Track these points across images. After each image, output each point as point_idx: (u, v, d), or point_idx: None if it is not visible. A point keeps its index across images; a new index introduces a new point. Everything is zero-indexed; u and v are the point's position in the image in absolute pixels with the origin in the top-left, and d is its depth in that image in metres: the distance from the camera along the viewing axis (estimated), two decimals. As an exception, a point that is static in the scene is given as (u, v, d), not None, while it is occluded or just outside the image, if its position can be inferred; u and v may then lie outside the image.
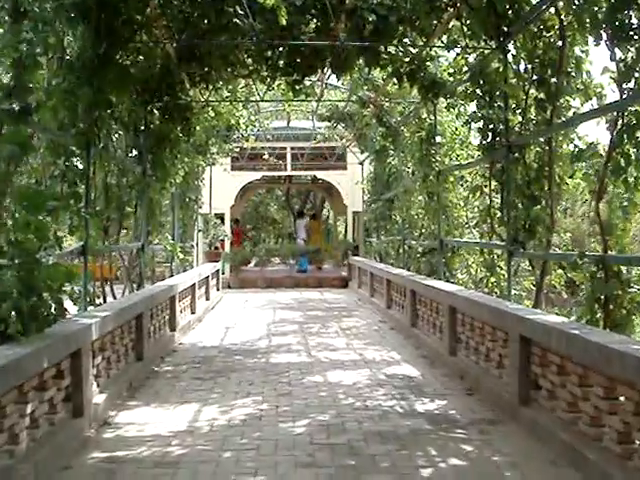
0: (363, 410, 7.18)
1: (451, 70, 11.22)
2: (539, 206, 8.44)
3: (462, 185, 13.69)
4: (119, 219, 10.73)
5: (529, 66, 8.57)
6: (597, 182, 6.88)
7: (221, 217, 23.58)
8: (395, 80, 11.40)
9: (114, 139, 10.47)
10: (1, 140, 6.11)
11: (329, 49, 9.96)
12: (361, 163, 23.15)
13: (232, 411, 7.17)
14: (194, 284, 14.33)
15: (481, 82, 9.58)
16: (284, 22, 8.20)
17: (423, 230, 14.91)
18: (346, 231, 29.45)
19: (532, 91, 8.55)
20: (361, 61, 10.73)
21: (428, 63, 11.00)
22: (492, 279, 10.10)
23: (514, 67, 8.85)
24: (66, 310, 6.26)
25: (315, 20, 9.54)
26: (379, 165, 19.02)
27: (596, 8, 6.63)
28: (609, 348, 4.92)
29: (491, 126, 9.47)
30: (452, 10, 9.27)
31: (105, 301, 9.82)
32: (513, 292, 9.14)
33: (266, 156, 23.02)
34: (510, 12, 8.52)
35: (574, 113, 8.26)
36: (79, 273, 7.62)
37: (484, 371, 7.95)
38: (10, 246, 5.45)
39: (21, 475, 4.71)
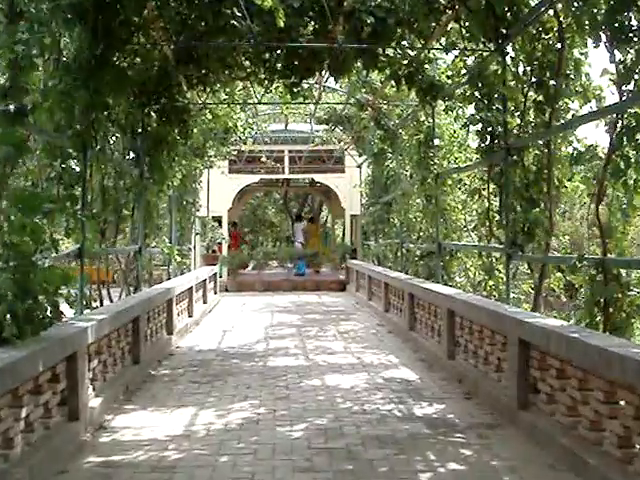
0: (361, 414, 7.15)
1: (449, 72, 11.20)
2: (538, 209, 8.41)
3: (460, 188, 13.65)
4: (116, 222, 10.70)
5: (528, 68, 8.55)
6: (596, 185, 6.84)
7: (219, 220, 23.55)
8: (393, 83, 11.36)
9: (111, 141, 10.43)
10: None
11: (327, 51, 9.93)
12: (359, 166, 23.14)
13: (229, 415, 7.13)
14: (191, 287, 14.30)
15: (479, 84, 9.54)
16: (282, 24, 8.14)
17: (421, 233, 14.88)
18: (344, 234, 29.39)
19: (531, 93, 8.53)
20: (359, 64, 10.69)
21: (426, 66, 10.98)
22: (490, 282, 10.06)
23: (513, 69, 8.83)
24: (62, 313, 6.20)
25: (313, 22, 9.50)
26: (377, 168, 18.99)
27: (595, 10, 6.61)
28: (609, 352, 4.89)
29: (490, 129, 9.43)
30: (450, 12, 9.23)
31: (102, 304, 9.79)
32: (512, 295, 9.11)
33: (264, 159, 22.99)
34: (509, 14, 8.50)
35: (573, 115, 8.24)
36: (75, 276, 7.59)
37: (483, 375, 7.91)
38: (5, 248, 5.41)
39: (16, 479, 4.66)
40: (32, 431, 5.21)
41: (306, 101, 15.22)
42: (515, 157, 8.75)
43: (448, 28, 9.86)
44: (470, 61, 10.33)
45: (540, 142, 8.52)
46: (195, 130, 14.02)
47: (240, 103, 15.72)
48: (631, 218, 6.73)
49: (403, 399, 7.77)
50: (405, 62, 10.56)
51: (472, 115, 9.93)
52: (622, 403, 4.88)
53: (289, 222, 40.76)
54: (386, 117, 16.03)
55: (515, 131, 8.89)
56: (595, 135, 25.96)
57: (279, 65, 10.43)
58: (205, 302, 16.95)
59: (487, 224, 9.94)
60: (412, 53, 10.53)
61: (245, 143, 19.47)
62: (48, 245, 6.10)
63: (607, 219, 6.80)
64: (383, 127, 16.32)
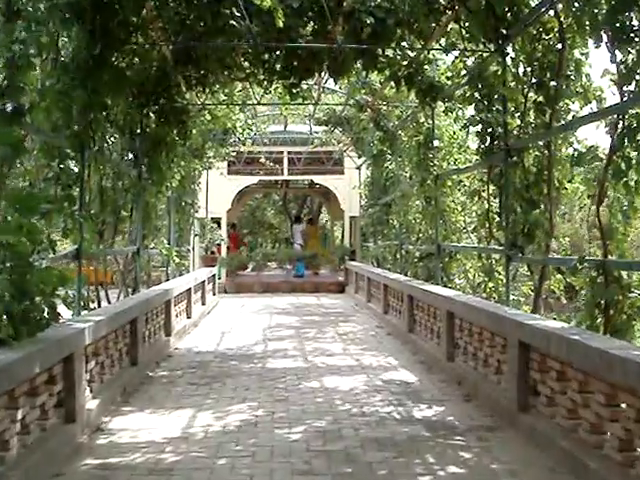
0: (360, 416, 7.11)
1: (449, 73, 11.18)
2: (538, 210, 8.37)
3: (460, 190, 13.62)
4: (114, 223, 10.66)
5: (528, 69, 8.51)
6: (597, 186, 6.81)
7: (217, 221, 23.51)
8: (393, 84, 11.32)
9: (109, 142, 10.38)
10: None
11: (326, 52, 9.90)
12: (358, 168, 23.10)
13: (227, 417, 7.09)
14: (190, 289, 14.26)
15: (479, 85, 9.52)
16: (281, 24, 8.12)
17: (420, 235, 14.84)
18: (343, 236, 29.37)
19: (531, 94, 8.49)
20: (358, 64, 10.65)
21: (426, 66, 10.96)
22: (490, 284, 10.03)
23: (513, 70, 8.79)
24: (59, 314, 6.16)
25: (312, 23, 9.48)
26: (376, 169, 18.98)
27: (596, 10, 6.57)
28: (610, 354, 4.85)
29: (489, 130, 9.41)
30: (450, 13, 9.20)
31: (100, 305, 9.74)
32: (511, 297, 9.07)
33: (263, 160, 22.95)
34: (509, 14, 8.47)
35: (573, 116, 8.20)
36: (72, 277, 7.55)
37: (482, 377, 7.88)
38: (2, 249, 5.36)
39: (11, 482, 4.62)
40: (28, 433, 5.16)
41: (305, 102, 15.18)
42: (515, 158, 8.71)
43: (448, 29, 9.83)
44: (470, 62, 10.31)
45: (540, 143, 8.48)
46: (194, 131, 13.99)
47: (239, 104, 15.69)
48: (632, 220, 6.69)
49: (402, 401, 7.73)
50: (405, 63, 10.53)
51: (472, 116, 9.92)
52: (623, 406, 4.84)
53: (288, 223, 40.74)
54: (385, 118, 15.99)
55: (515, 132, 8.86)
56: (595, 136, 25.94)
57: (278, 66, 10.40)
58: (204, 303, 16.92)
59: (487, 225, 9.91)
60: (412, 54, 10.50)
61: (244, 144, 19.45)
62: (45, 246, 6.05)
63: (608, 220, 6.76)
64: (382, 128, 16.28)
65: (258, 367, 9.83)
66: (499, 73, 8.93)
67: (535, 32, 8.26)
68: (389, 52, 10.21)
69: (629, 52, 6.19)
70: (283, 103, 16.04)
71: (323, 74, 11.93)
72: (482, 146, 9.67)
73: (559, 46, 7.91)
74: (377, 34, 9.18)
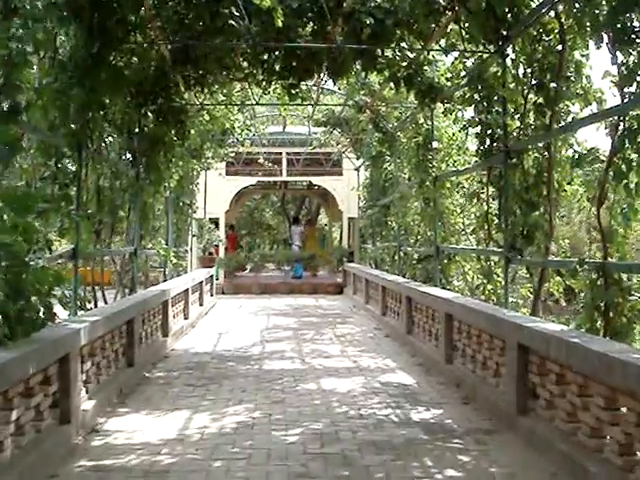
0: (357, 419, 7.06)
1: (449, 74, 11.18)
2: (537, 212, 8.34)
3: (459, 191, 13.59)
4: (112, 223, 10.62)
5: (528, 70, 8.48)
6: (598, 188, 6.77)
7: (216, 222, 23.51)
8: (392, 85, 11.28)
9: (107, 141, 10.34)
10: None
11: (326, 53, 9.88)
12: (357, 169, 23.08)
13: (224, 419, 7.04)
14: (187, 289, 14.22)
15: (479, 87, 9.48)
16: (280, 24, 8.09)
17: (419, 236, 14.83)
18: (341, 237, 29.37)
19: (531, 96, 8.46)
20: (358, 65, 10.64)
21: (425, 67, 10.92)
22: (489, 286, 10.00)
23: (513, 71, 8.76)
24: (55, 315, 6.11)
25: (312, 23, 9.47)
26: (375, 171, 18.96)
27: (597, 11, 6.54)
28: (610, 357, 4.81)
29: (489, 131, 9.38)
30: (450, 13, 9.17)
31: (96, 306, 9.70)
32: (510, 299, 9.03)
33: (261, 161, 22.92)
34: (509, 15, 8.43)
35: (573, 118, 8.17)
36: (69, 277, 7.50)
37: (481, 380, 7.84)
38: (-2, 248, 5.32)
39: (5, 484, 4.58)
40: (22, 434, 5.11)
41: (304, 103, 15.14)
42: (515, 160, 8.68)
43: (448, 29, 9.81)
44: (470, 63, 10.28)
45: (540, 145, 8.46)
46: (192, 131, 13.96)
47: (238, 104, 15.68)
48: (632, 222, 6.65)
49: (400, 404, 7.68)
50: (404, 64, 10.48)
51: (471, 117, 9.90)
52: (623, 410, 4.80)
53: (286, 225, 40.70)
54: (384, 119, 15.96)
55: (515, 134, 8.83)
56: (595, 138, 25.91)
57: (277, 66, 10.38)
58: (201, 304, 16.87)
59: (486, 227, 9.89)
60: (411, 55, 10.45)
61: (243, 145, 19.44)
62: (41, 245, 6.01)
63: (608, 223, 6.72)
64: (381, 129, 16.26)
65: (255, 368, 9.79)
66: (499, 74, 8.90)
67: (535, 33, 8.23)
68: (388, 53, 10.19)
69: (630, 53, 6.17)
70: (282, 104, 15.95)
71: (322, 75, 11.90)
72: (481, 147, 9.64)
73: (559, 47, 7.89)
74: (377, 35, 9.16)
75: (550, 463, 5.54)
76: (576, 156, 7.37)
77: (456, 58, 10.66)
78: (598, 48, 6.62)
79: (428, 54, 10.79)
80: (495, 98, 9.20)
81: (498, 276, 9.84)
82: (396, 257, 16.48)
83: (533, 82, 8.37)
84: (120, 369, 8.34)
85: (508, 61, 8.78)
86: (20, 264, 5.38)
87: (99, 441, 6.28)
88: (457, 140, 13.54)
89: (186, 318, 13.99)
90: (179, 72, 10.84)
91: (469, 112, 10.52)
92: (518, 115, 8.78)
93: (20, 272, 5.36)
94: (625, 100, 6.25)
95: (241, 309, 18.36)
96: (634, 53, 6.12)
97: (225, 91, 13.80)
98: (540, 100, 8.27)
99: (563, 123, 8.19)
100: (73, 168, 8.07)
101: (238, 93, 14.96)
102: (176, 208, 15.84)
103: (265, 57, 10.26)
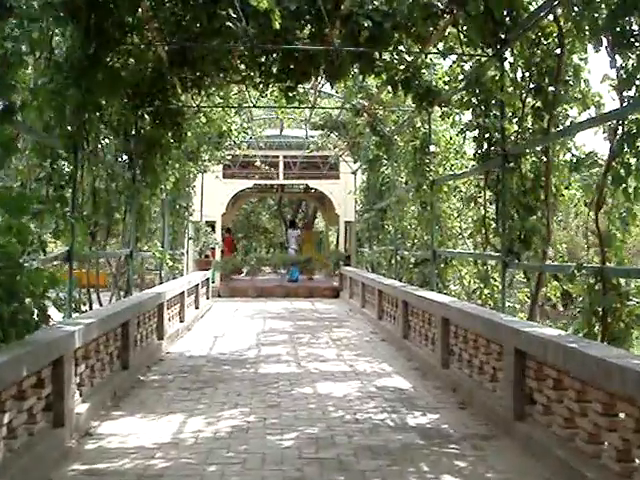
0: (353, 423, 7.02)
1: (447, 78, 11.14)
2: (535, 216, 8.32)
3: (456, 195, 13.56)
4: (107, 225, 10.57)
5: (526, 74, 8.44)
6: (596, 192, 6.74)
7: (212, 225, 23.44)
8: (389, 88, 11.29)
9: (103, 143, 10.29)
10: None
11: (323, 55, 9.85)
12: (354, 173, 23.07)
13: (218, 423, 6.99)
14: (183, 292, 14.18)
15: (477, 90, 9.48)
16: (277, 26, 8.06)
17: (416, 240, 14.80)
18: (338, 241, 29.32)
19: (529, 99, 8.43)
20: (355, 68, 10.61)
21: (423, 71, 10.90)
22: (486, 291, 9.96)
23: (511, 75, 8.73)
24: (50, 317, 6.07)
25: (309, 25, 9.43)
26: (372, 174, 18.94)
27: (596, 14, 6.50)
28: (608, 362, 4.78)
29: (487, 135, 9.35)
30: (448, 17, 9.13)
31: (91, 308, 9.64)
32: (507, 304, 8.99)
33: (258, 164, 22.88)
34: (508, 19, 8.39)
35: (571, 122, 8.15)
36: (63, 279, 7.45)
37: (477, 384, 7.80)
38: (-9, 250, 5.27)
39: (-3, 488, 4.53)
40: (15, 437, 5.06)
41: (302, 106, 15.12)
42: (512, 164, 8.65)
43: (446, 33, 9.77)
44: (468, 66, 10.27)
45: (538, 149, 8.44)
46: (189, 133, 13.92)
47: (235, 107, 15.65)
48: (630, 226, 6.62)
49: (396, 408, 7.65)
50: (402, 67, 10.47)
51: (469, 121, 9.88)
52: (621, 415, 4.77)
53: (283, 228, 40.69)
54: (382, 123, 15.93)
55: (513, 138, 8.80)
56: (593, 142, 25.97)
57: (275, 69, 10.36)
58: (197, 307, 16.83)
59: (483, 232, 9.86)
60: (409, 58, 10.44)
61: (240, 148, 19.42)
62: (36, 247, 5.96)
63: (606, 227, 6.69)
64: (379, 133, 16.21)
65: (251, 372, 9.74)
66: (497, 78, 8.89)
67: (534, 37, 8.21)
68: (386, 56, 10.16)
69: (629, 57, 6.14)
70: (279, 106, 16.00)
71: (320, 78, 11.88)
72: (479, 151, 9.61)
73: (558, 51, 7.87)
74: (374, 38, 9.12)
75: (547, 469, 5.51)
76: (574, 160, 7.37)
77: (454, 61, 10.63)
78: (597, 52, 6.59)
79: (426, 57, 10.76)
80: (493, 102, 9.18)
81: (495, 280, 9.80)
82: (393, 261, 16.45)
83: (531, 86, 8.34)
84: (115, 372, 8.29)
85: (506, 65, 8.75)
86: (14, 266, 5.33)
87: (93, 445, 6.23)
88: (454, 144, 13.51)
89: (182, 321, 13.94)
90: (176, 74, 10.80)
91: (467, 116, 10.53)
92: (516, 119, 8.75)
93: (14, 274, 5.32)
94: (624, 104, 6.22)
95: (237, 312, 18.33)
96: (633, 57, 6.09)
97: (222, 93, 13.77)
98: (538, 104, 8.24)
99: (561, 127, 8.17)
100: (69, 169, 8.03)
101: (235, 95, 14.95)
102: (172, 211, 15.81)
103: (262, 59, 10.24)
